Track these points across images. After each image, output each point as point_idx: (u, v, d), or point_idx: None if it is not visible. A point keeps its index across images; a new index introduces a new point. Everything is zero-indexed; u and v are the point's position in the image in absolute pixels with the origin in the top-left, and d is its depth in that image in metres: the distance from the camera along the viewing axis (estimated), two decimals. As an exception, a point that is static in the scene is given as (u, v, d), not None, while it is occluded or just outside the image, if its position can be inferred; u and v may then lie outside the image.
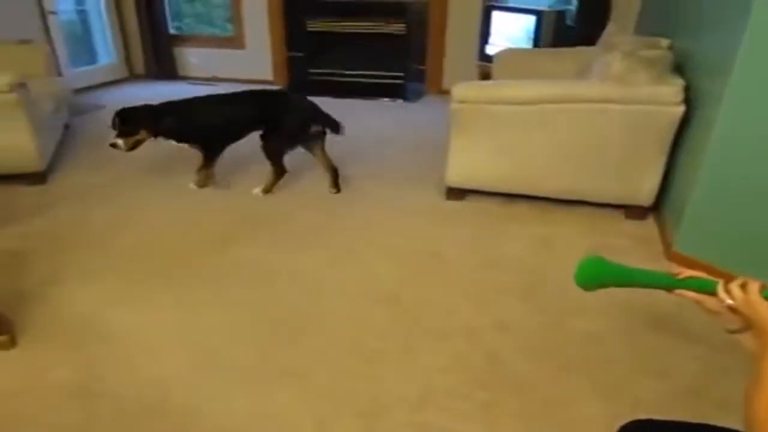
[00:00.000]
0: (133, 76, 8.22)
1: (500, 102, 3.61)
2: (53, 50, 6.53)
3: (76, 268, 3.11)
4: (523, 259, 3.23)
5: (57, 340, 2.53)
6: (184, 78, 8.11)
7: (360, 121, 5.89)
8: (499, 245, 3.38)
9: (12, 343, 2.46)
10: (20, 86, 4.05)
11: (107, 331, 2.58)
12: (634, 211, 3.68)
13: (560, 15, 5.69)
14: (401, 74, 7.22)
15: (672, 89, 3.31)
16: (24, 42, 5.59)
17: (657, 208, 3.67)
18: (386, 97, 6.89)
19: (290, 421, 2.09)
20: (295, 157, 4.12)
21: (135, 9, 7.93)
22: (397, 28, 7.08)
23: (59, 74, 6.50)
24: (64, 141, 5.14)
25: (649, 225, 3.63)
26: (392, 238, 3.48)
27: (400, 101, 6.81)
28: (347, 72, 7.42)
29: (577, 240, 3.44)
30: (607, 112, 3.44)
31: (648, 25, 5.14)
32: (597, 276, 1.37)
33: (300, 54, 7.54)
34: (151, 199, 4.03)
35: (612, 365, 2.38)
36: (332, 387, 2.26)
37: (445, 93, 6.95)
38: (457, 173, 3.87)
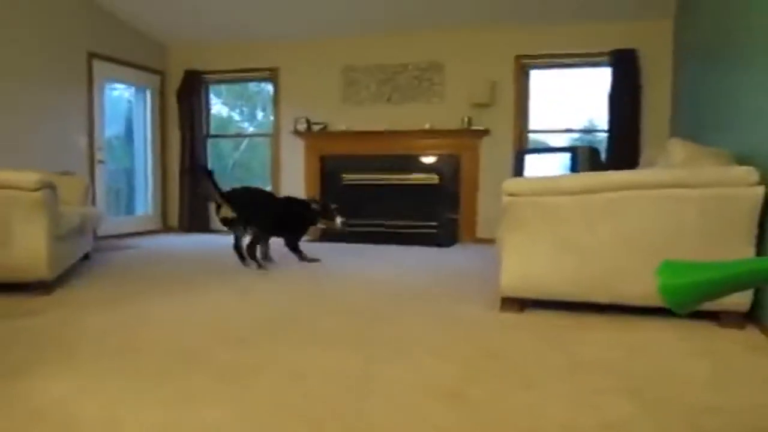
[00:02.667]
0: (166, 228, 7.81)
1: (557, 193, 3.00)
2: (94, 193, 6.15)
3: (55, 363, 2.32)
4: (616, 360, 2.40)
5: (7, 429, 1.71)
6: (216, 231, 7.66)
7: (398, 260, 5.27)
8: (579, 350, 2.55)
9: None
10: (47, 187, 3.55)
11: (75, 425, 1.76)
12: (728, 319, 2.86)
13: (594, 151, 5.26)
14: (435, 224, 6.69)
15: (744, 169, 2.77)
16: (66, 173, 5.25)
17: (753, 313, 2.87)
18: (421, 244, 6.29)
19: None
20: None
21: (179, 169, 7.73)
22: (429, 179, 6.71)
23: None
24: (80, 269, 4.52)
25: (753, 333, 2.79)
26: (443, 341, 2.68)
27: (434, 248, 6.16)
28: (381, 222, 6.92)
29: (672, 345, 2.62)
30: (679, 198, 2.84)
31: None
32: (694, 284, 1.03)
33: (334, 205, 7.11)
34: (156, 309, 3.31)
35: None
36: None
37: (480, 241, 6.44)
38: (513, 279, 3.13)
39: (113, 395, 1.99)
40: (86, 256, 4.90)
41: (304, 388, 2.06)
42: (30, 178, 3.49)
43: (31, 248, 3.50)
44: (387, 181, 6.88)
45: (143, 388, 2.05)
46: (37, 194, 3.49)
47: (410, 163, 6.86)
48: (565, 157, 5.29)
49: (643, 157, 4.24)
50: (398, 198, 6.90)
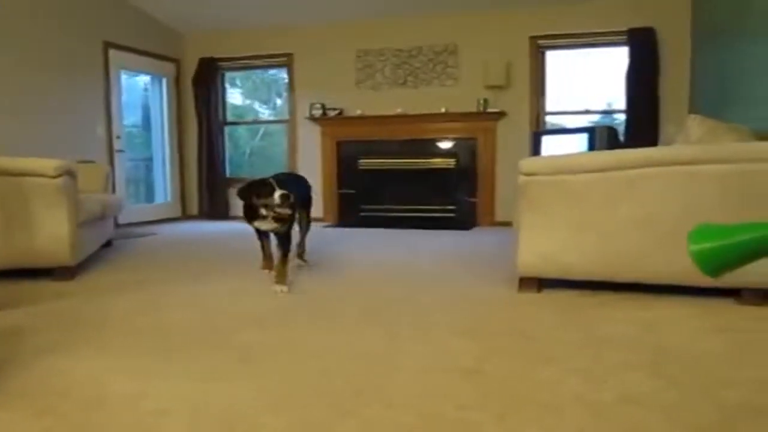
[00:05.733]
0: (185, 216, 7.87)
1: (573, 171, 2.96)
2: (114, 181, 6.21)
3: (83, 343, 2.36)
4: (634, 337, 2.39)
5: (34, 406, 1.74)
6: (236, 218, 7.71)
7: (416, 244, 5.26)
8: (597, 326, 2.55)
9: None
10: (67, 173, 3.59)
11: (103, 399, 1.79)
12: (749, 296, 2.83)
13: (612, 131, 5.21)
14: (453, 207, 6.68)
15: (766, 144, 2.71)
16: (86, 161, 5.30)
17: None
18: (440, 228, 6.27)
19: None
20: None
21: (197, 157, 7.78)
22: (446, 163, 6.68)
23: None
24: (103, 255, 4.57)
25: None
26: (462, 320, 2.68)
27: (453, 232, 6.13)
28: (398, 207, 6.91)
29: (690, 321, 2.60)
30: (699, 175, 2.78)
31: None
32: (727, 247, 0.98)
33: (351, 191, 7.13)
34: (177, 293, 3.35)
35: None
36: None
37: (499, 224, 6.42)
38: (530, 259, 3.12)
39: (139, 372, 2.02)
40: (108, 243, 4.97)
41: (324, 367, 2.08)
42: (49, 164, 3.53)
43: (53, 234, 3.55)
44: (404, 166, 6.86)
45: (167, 366, 2.09)
46: (58, 181, 3.53)
47: (427, 147, 6.84)
48: (583, 138, 5.24)
49: (663, 135, 4.20)
50: (416, 182, 6.89)
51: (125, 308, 2.94)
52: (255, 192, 3.36)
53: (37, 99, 5.72)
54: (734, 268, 1.01)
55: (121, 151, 6.87)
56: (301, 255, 4.10)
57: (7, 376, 1.96)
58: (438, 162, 6.74)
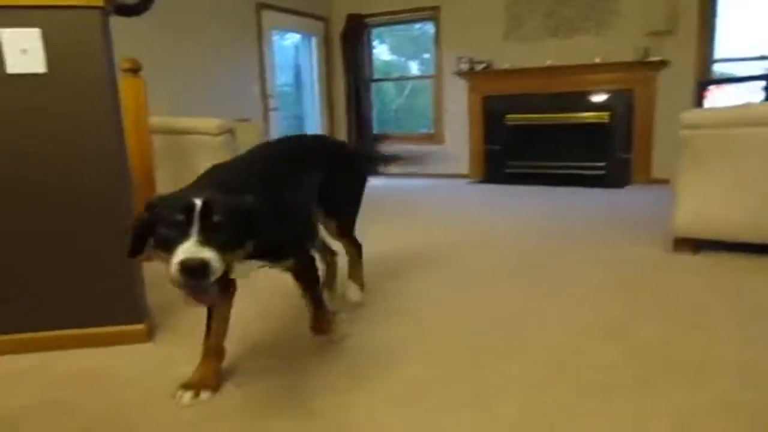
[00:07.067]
0: (337, 171, 8.20)
1: (743, 124, 2.72)
2: (269, 137, 6.62)
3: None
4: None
5: (197, 344, 1.98)
6: (381, 175, 7.92)
7: (564, 201, 5.12)
8: (756, 292, 2.37)
9: (148, 335, 1.95)
10: (228, 131, 3.90)
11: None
12: None
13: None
14: (603, 164, 6.37)
15: None
16: (243, 120, 5.68)
17: None
18: (588, 186, 6.02)
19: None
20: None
21: (345, 112, 8.04)
22: (599, 117, 6.35)
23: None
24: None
25: None
26: (609, 280, 2.61)
27: (604, 190, 5.87)
28: (546, 163, 6.72)
29: None
30: None
31: None
32: None
33: (497, 147, 7.03)
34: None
35: None
36: (525, 422, 1.44)
37: (656, 181, 6.03)
38: (687, 218, 2.93)
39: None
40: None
41: (462, 323, 2.13)
42: (212, 123, 3.84)
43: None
44: (553, 121, 6.61)
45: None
46: (220, 138, 3.84)
47: (578, 101, 6.52)
48: (758, 87, 4.74)
49: None
50: (566, 137, 6.63)
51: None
52: (149, 227, 1.37)
53: (198, 61, 6.17)
54: None
55: (275, 109, 7.28)
56: (357, 275, 2.39)
57: (174, 317, 2.22)
58: (590, 116, 6.42)
